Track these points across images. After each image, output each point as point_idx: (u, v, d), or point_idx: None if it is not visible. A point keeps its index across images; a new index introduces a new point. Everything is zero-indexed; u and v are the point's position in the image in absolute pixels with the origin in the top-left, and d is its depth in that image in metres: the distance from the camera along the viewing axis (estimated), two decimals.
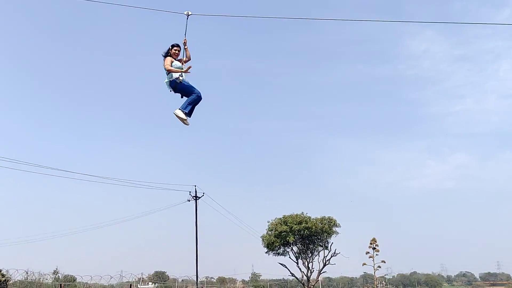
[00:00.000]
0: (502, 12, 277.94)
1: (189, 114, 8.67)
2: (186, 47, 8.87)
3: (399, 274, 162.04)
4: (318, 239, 58.05)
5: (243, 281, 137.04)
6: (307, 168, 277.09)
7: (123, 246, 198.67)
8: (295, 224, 56.28)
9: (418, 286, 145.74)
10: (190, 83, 9.00)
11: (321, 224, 57.09)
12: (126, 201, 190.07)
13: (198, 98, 8.68)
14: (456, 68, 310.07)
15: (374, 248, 12.05)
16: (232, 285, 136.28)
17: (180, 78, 8.67)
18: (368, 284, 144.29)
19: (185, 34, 8.47)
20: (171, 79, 8.66)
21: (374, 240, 12.27)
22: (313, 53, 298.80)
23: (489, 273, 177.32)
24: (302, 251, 58.41)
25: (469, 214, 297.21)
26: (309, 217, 57.82)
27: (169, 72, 8.66)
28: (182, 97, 8.84)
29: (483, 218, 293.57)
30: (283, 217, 58.36)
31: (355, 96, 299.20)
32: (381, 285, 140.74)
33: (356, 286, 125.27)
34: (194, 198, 49.17)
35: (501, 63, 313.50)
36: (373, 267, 12.10)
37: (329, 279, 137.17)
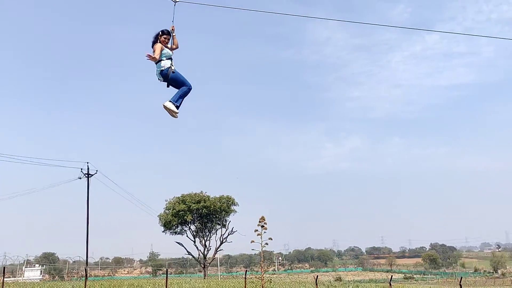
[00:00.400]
0: (397, 6, 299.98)
1: (177, 107, 8.27)
2: (174, 34, 8.54)
3: (295, 250, 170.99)
4: (217, 217, 58.57)
5: (140, 261, 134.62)
6: (212, 147, 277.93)
7: (7, 226, 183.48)
8: (194, 203, 56.15)
9: (311, 260, 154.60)
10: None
11: (220, 203, 57.63)
12: (12, 178, 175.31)
13: (189, 91, 8.33)
14: (355, 57, 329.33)
15: (262, 226, 12.33)
16: (129, 265, 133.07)
17: (173, 67, 8.25)
18: (265, 260, 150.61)
19: (172, 21, 8.25)
20: (163, 68, 8.16)
21: (262, 218, 12.56)
22: (223, 31, 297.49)
23: (374, 247, 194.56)
24: (200, 230, 58.59)
25: (360, 194, 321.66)
26: (208, 196, 58.03)
27: (159, 61, 8.18)
28: (168, 86, 8.34)
29: (372, 197, 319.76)
30: (181, 196, 57.87)
31: (262, 77, 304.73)
32: (278, 261, 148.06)
33: (253, 263, 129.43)
34: (86, 175, 46.39)
35: (394, 55, 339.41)
36: (261, 244, 12.44)
37: (229, 256, 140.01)
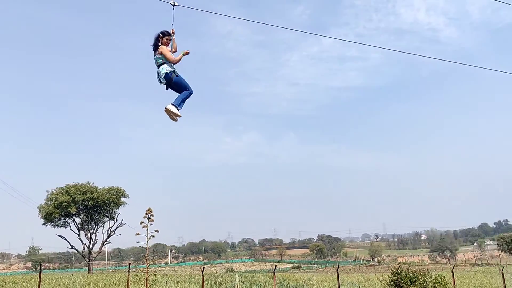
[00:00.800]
0: (297, 7, 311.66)
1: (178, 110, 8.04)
2: (173, 37, 8.20)
3: (189, 242, 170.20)
4: (105, 209, 55.33)
5: (19, 256, 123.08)
6: (102, 136, 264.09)
7: None
8: (79, 194, 52.46)
9: (205, 253, 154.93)
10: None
11: (109, 194, 54.53)
12: None
13: (190, 95, 8.12)
14: (255, 53, 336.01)
15: (149, 218, 11.51)
16: (6, 260, 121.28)
17: (176, 71, 7.99)
18: (159, 253, 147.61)
19: (172, 25, 8.09)
20: (167, 71, 7.82)
21: (149, 210, 11.75)
22: (121, 15, 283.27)
23: (266, 239, 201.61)
24: (86, 222, 54.92)
25: (256, 187, 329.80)
26: (96, 187, 54.60)
27: (162, 64, 7.86)
28: (167, 88, 8.00)
29: (267, 191, 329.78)
30: (65, 187, 53.70)
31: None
32: (171, 254, 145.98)
33: (145, 256, 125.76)
34: None
35: (292, 54, 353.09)
36: (147, 237, 11.57)
37: (119, 250, 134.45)
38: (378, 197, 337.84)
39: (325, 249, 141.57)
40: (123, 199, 55.46)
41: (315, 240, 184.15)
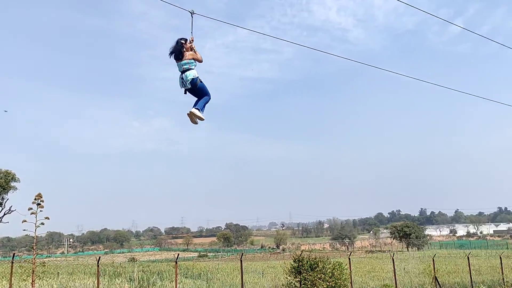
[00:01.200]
0: None
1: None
2: (193, 45, 8.26)
3: (89, 231, 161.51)
4: None
5: None
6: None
7: None
8: None
9: (107, 242, 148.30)
10: None
11: None
12: None
13: (209, 100, 8.40)
14: (169, 37, 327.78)
15: (38, 204, 10.34)
16: None
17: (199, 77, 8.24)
18: (54, 242, 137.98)
19: (191, 32, 8.19)
20: (194, 77, 8.04)
21: (39, 195, 10.54)
22: None
23: (173, 227, 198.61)
24: None
25: (164, 174, 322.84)
26: None
27: (188, 70, 8.08)
28: (185, 92, 8.26)
29: (176, 178, 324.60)
30: None
31: (61, 42, 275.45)
32: (68, 243, 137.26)
33: (38, 246, 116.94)
34: None
35: (207, 41, 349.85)
36: (35, 224, 10.37)
37: (8, 238, 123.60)
38: (286, 186, 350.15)
39: (232, 237, 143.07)
40: (13, 184, 50.52)
41: (223, 229, 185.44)
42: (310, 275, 16.47)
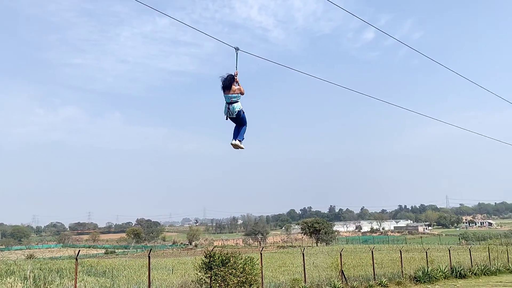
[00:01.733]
0: None
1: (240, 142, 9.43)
2: (237, 78, 9.13)
3: None
4: None
5: None
6: None
7: None
8: None
9: (3, 238, 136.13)
10: None
11: None
12: None
13: (246, 128, 9.43)
14: (83, 22, 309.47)
15: None
16: None
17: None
18: None
19: (236, 67, 9.00)
20: (239, 109, 9.01)
21: None
22: None
23: (79, 223, 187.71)
24: None
25: (71, 166, 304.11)
26: None
27: (235, 102, 9.00)
28: (226, 118, 9.16)
29: (84, 171, 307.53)
30: None
31: None
32: None
33: None
34: None
35: (124, 29, 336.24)
36: None
37: None
38: (201, 182, 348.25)
39: (143, 233, 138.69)
40: None
41: (133, 225, 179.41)
42: (221, 271, 16.30)
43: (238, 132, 9.34)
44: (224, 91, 9.03)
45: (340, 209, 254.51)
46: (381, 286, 21.52)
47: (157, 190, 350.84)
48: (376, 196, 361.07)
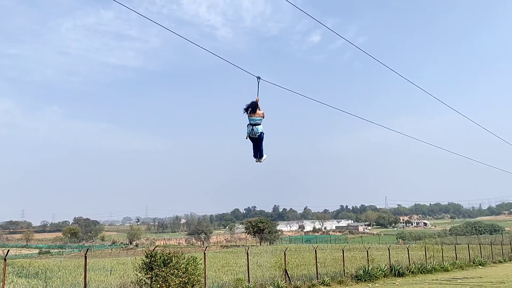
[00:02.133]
0: None
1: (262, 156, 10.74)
2: (259, 105, 10.20)
3: None
4: None
5: None
6: None
7: None
8: None
9: None
10: None
11: None
12: None
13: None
14: (20, 10, 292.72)
15: None
16: None
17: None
18: None
19: (257, 94, 10.03)
20: (261, 132, 10.13)
21: None
22: None
23: (11, 221, 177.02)
24: None
25: (4, 161, 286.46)
26: None
27: (257, 124, 10.08)
28: (247, 138, 10.28)
29: (16, 166, 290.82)
30: None
31: None
32: None
33: None
34: None
35: (66, 20, 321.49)
36: None
37: None
38: (143, 180, 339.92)
39: (80, 232, 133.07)
40: None
41: (70, 223, 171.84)
42: (163, 271, 15.76)
43: (258, 150, 10.57)
44: (249, 114, 10.06)
45: (284, 209, 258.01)
46: (324, 285, 21.75)
47: (97, 188, 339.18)
48: (319, 196, 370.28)
